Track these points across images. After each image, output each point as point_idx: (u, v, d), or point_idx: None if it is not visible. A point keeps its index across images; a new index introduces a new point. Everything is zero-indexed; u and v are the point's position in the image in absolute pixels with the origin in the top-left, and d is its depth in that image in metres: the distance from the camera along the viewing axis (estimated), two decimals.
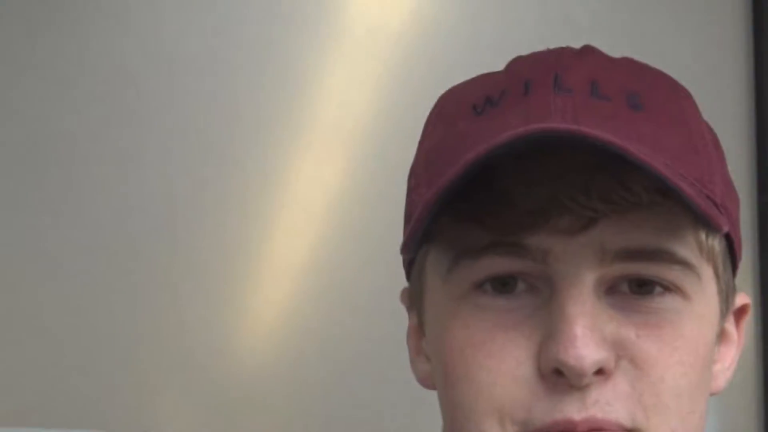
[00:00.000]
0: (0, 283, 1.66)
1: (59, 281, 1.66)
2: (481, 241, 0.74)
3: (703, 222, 0.72)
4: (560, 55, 0.78)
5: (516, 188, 0.73)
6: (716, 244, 0.77)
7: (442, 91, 0.83)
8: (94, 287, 1.66)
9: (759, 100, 1.77)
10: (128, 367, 1.66)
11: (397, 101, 1.69)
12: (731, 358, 0.82)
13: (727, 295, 0.79)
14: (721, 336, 0.80)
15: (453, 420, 0.77)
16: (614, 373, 0.73)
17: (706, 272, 0.76)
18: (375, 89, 1.72)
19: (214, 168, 1.70)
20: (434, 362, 0.80)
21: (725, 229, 0.73)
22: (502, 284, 0.75)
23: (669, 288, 0.74)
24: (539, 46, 0.81)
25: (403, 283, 0.85)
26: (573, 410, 0.72)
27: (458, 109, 0.79)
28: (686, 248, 0.74)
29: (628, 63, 0.80)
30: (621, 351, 0.73)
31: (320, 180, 1.71)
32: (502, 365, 0.73)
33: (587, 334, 0.71)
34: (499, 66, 0.82)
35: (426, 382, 0.83)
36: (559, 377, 0.72)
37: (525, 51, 0.81)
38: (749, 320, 0.84)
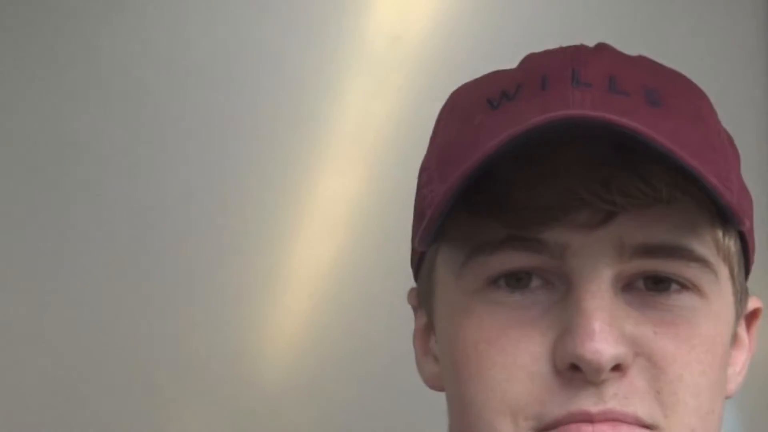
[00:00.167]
0: (11, 290, 1.66)
1: (72, 290, 1.66)
2: (498, 235, 0.73)
3: (726, 215, 0.72)
4: (576, 51, 0.78)
5: (533, 182, 0.72)
6: (732, 244, 0.76)
7: None
8: (109, 296, 1.66)
9: None
10: (145, 378, 1.66)
11: (418, 112, 1.69)
12: (742, 362, 0.81)
13: (741, 297, 0.79)
14: (734, 339, 0.79)
15: (462, 419, 0.76)
16: (631, 370, 0.72)
17: (723, 272, 0.76)
18: (396, 100, 1.71)
19: (233, 179, 1.70)
20: (444, 360, 0.79)
21: (747, 224, 0.73)
22: (517, 279, 0.74)
23: (686, 286, 0.74)
24: None
25: None
26: (589, 403, 0.71)
27: (472, 104, 0.78)
28: (704, 246, 0.74)
29: (644, 60, 0.80)
30: (638, 348, 0.72)
31: (341, 191, 1.70)
32: (517, 361, 0.73)
33: (605, 329, 0.71)
34: None
35: (433, 383, 0.82)
36: (575, 373, 0.71)
37: None
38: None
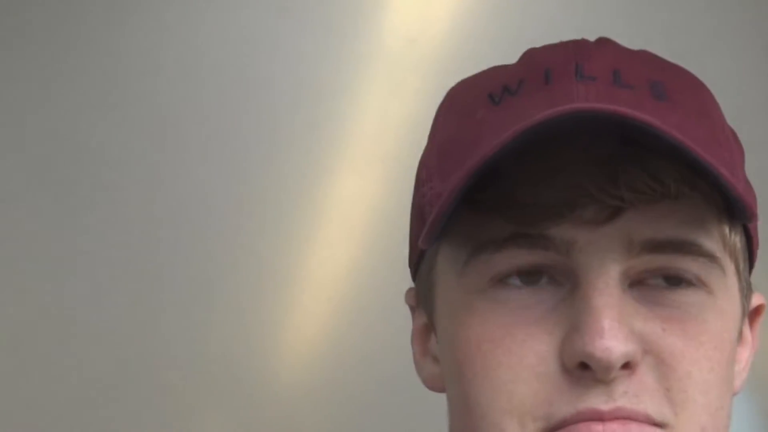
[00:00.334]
0: (31, 300, 1.66)
1: (91, 300, 1.66)
2: (502, 233, 0.72)
3: (737, 209, 0.71)
4: (579, 45, 0.77)
5: (538, 178, 0.71)
6: (738, 240, 0.76)
7: None
8: (126, 299, 1.67)
9: None
10: (162, 380, 1.66)
11: None
12: (746, 359, 0.80)
13: (746, 293, 0.78)
14: (739, 336, 0.79)
15: (467, 421, 0.74)
16: (640, 368, 0.71)
17: (729, 267, 0.75)
18: (413, 102, 1.71)
19: (251, 181, 1.70)
20: (446, 361, 0.78)
21: (756, 218, 0.72)
22: (527, 274, 0.73)
23: (694, 282, 0.73)
24: None
25: None
26: (599, 401, 0.70)
27: (473, 100, 0.77)
28: (712, 241, 0.73)
29: (647, 54, 0.79)
30: (647, 345, 0.71)
31: (359, 193, 1.70)
32: (523, 361, 0.72)
33: (615, 326, 0.69)
34: None
35: (433, 384, 0.81)
36: (583, 371, 0.70)
37: None
38: None
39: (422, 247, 0.76)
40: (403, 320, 1.65)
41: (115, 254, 1.68)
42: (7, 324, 1.67)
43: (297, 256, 1.70)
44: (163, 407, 1.66)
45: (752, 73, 1.76)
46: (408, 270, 1.64)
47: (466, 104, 0.78)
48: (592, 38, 0.79)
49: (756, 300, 0.81)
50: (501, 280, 0.73)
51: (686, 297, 0.73)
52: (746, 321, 0.80)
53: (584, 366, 0.70)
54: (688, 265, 0.73)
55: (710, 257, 0.73)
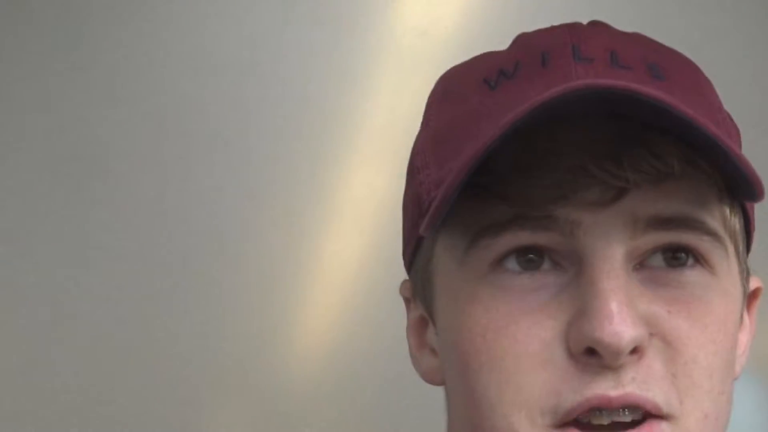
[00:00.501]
0: (44, 296, 1.66)
1: (105, 297, 1.66)
2: (504, 216, 0.71)
3: (746, 185, 0.69)
4: (573, 27, 0.76)
5: (540, 160, 0.70)
6: (737, 221, 0.75)
7: None
8: (138, 295, 1.66)
9: None
10: (174, 376, 1.65)
11: None
12: (745, 343, 0.79)
13: (745, 276, 0.77)
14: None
15: (472, 413, 0.73)
16: (647, 352, 0.70)
17: (730, 249, 0.74)
18: (423, 95, 1.70)
19: (261, 175, 1.69)
20: (446, 353, 0.76)
21: (763, 194, 0.70)
22: (527, 260, 0.71)
23: (698, 260, 0.72)
24: None
25: None
26: (608, 387, 0.69)
27: (468, 85, 0.76)
28: (715, 220, 0.72)
29: (640, 36, 0.78)
30: (653, 328, 0.70)
31: (370, 187, 1.70)
32: (528, 349, 0.70)
33: (623, 310, 0.68)
34: None
35: (432, 377, 0.79)
36: (590, 357, 0.69)
37: None
38: None
39: (423, 234, 0.75)
40: None
41: (125, 249, 1.67)
42: (17, 319, 1.67)
43: (308, 251, 1.69)
44: (175, 402, 1.66)
45: (751, 66, 1.76)
46: None
47: (461, 90, 0.76)
48: None
49: (753, 283, 0.80)
50: (503, 263, 0.71)
51: (690, 277, 0.72)
52: (744, 304, 0.79)
53: (591, 351, 0.69)
54: (694, 242, 0.71)
55: (714, 236, 0.72)
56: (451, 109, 0.76)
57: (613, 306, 0.68)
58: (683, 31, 1.69)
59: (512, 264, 0.71)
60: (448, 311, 0.75)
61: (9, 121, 1.69)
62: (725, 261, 0.73)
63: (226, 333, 1.66)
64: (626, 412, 0.69)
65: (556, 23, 0.76)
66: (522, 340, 0.70)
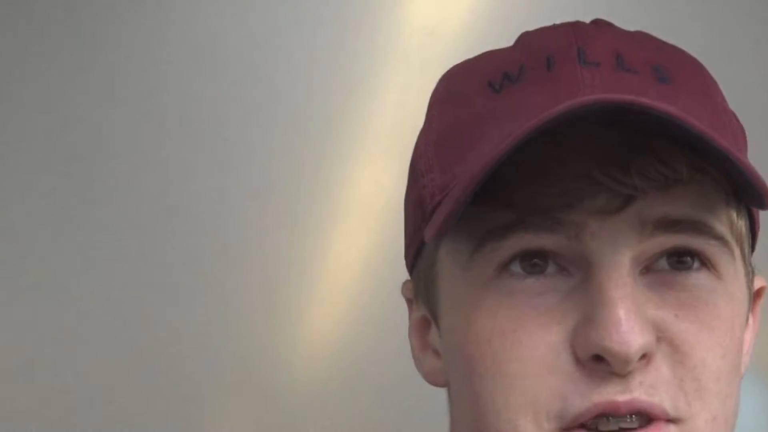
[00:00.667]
0: (46, 296, 1.66)
1: (107, 297, 1.66)
2: (509, 219, 0.70)
3: (754, 193, 0.69)
4: (577, 28, 0.76)
5: (546, 167, 0.69)
6: (743, 224, 0.75)
7: None
8: (141, 293, 1.66)
9: None
10: (177, 374, 1.65)
11: None
12: (748, 343, 0.79)
13: (750, 278, 0.77)
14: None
15: (477, 418, 0.72)
16: (655, 357, 0.69)
17: (737, 252, 0.74)
18: (430, 95, 1.70)
19: (267, 174, 1.69)
20: (452, 356, 0.75)
21: None
22: (531, 265, 0.70)
23: (705, 264, 0.71)
24: None
25: None
26: (615, 392, 0.68)
27: (472, 88, 0.75)
28: (722, 225, 0.72)
29: (643, 35, 0.77)
30: (660, 333, 0.70)
31: (376, 186, 1.70)
32: (535, 353, 0.69)
33: (631, 318, 0.68)
34: None
35: (435, 379, 0.79)
36: (597, 364, 0.68)
37: None
38: None
39: (429, 241, 0.74)
40: None
41: (128, 249, 1.67)
42: (19, 319, 1.67)
43: (314, 250, 1.69)
44: (180, 402, 1.66)
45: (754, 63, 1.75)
46: None
47: (464, 92, 0.76)
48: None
49: (757, 283, 0.80)
50: (507, 269, 0.71)
51: (697, 280, 0.71)
52: (750, 306, 0.79)
53: (598, 359, 0.68)
54: (701, 246, 0.71)
55: (721, 240, 0.72)
56: (454, 112, 0.76)
57: (621, 314, 0.68)
58: (688, 28, 1.68)
59: (517, 268, 0.71)
60: (453, 315, 0.75)
61: (10, 121, 1.69)
62: (732, 265, 0.73)
63: (231, 332, 1.66)
64: (633, 419, 0.69)
65: (563, 21, 0.76)
66: (528, 344, 0.70)
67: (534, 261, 0.71)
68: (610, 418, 0.69)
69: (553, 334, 0.70)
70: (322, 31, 1.73)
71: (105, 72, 1.70)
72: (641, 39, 0.77)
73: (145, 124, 1.70)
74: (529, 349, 0.70)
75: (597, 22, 0.77)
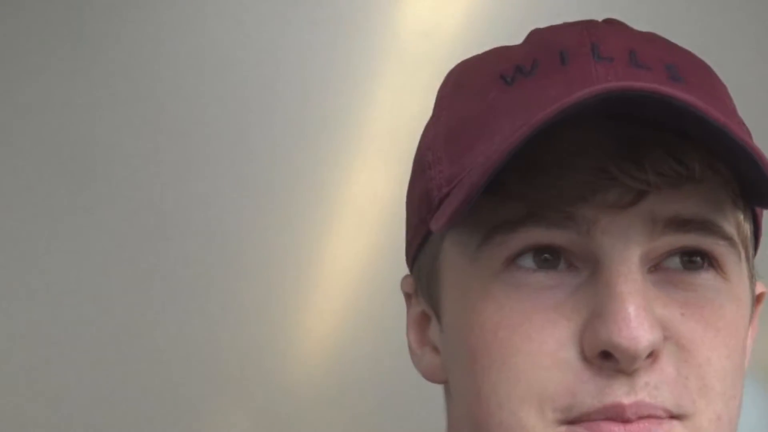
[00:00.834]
0: (42, 298, 1.66)
1: (103, 300, 1.66)
2: (520, 212, 0.70)
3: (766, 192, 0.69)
4: (591, 25, 0.75)
5: (559, 160, 0.69)
6: (748, 227, 0.74)
7: None
8: (136, 298, 1.66)
9: None
10: (173, 379, 1.65)
11: None
12: (747, 348, 0.78)
13: (753, 281, 0.77)
14: None
15: (479, 411, 0.72)
16: (661, 356, 0.69)
17: (743, 254, 0.74)
18: (427, 97, 1.70)
19: (263, 177, 1.69)
20: (452, 350, 0.75)
21: None
22: (543, 260, 0.70)
23: (712, 265, 0.71)
24: None
25: None
26: (622, 394, 0.68)
27: (483, 80, 0.75)
28: (731, 225, 0.72)
29: (655, 36, 0.77)
30: (667, 332, 0.69)
31: (373, 189, 1.69)
32: (542, 348, 0.69)
33: (641, 314, 0.67)
34: None
35: (434, 375, 0.79)
36: (605, 361, 0.68)
37: None
38: None
39: (438, 231, 0.73)
40: None
41: (124, 252, 1.67)
42: (16, 321, 1.66)
43: (310, 253, 1.69)
44: (176, 406, 1.65)
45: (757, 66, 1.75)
46: None
47: (475, 85, 0.75)
48: None
49: (758, 288, 0.80)
50: (515, 262, 0.70)
51: (703, 280, 0.71)
52: (753, 310, 0.79)
53: (606, 355, 0.68)
54: (710, 246, 0.71)
55: (730, 240, 0.71)
56: (464, 104, 0.75)
57: (631, 309, 0.67)
58: (694, 32, 1.68)
59: (528, 262, 0.70)
60: (458, 308, 0.74)
61: (7, 123, 1.69)
62: (738, 267, 0.73)
63: (227, 336, 1.66)
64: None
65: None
66: (536, 338, 0.69)
67: (545, 256, 0.70)
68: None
69: (562, 329, 0.69)
70: (317, 34, 1.73)
71: (101, 74, 1.70)
72: (654, 39, 0.77)
73: (138, 127, 1.70)
74: (537, 344, 0.69)
75: (610, 21, 0.77)
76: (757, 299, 0.80)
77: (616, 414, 0.68)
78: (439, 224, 0.70)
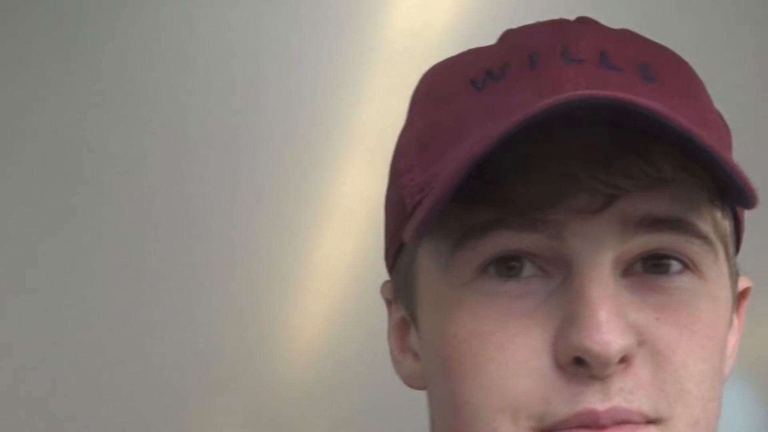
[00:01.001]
0: (35, 299, 1.66)
1: (94, 301, 1.66)
2: (489, 217, 0.69)
3: (741, 193, 0.68)
4: (561, 26, 0.75)
5: (527, 165, 0.68)
6: (727, 225, 0.74)
7: None
8: (125, 298, 1.66)
9: None
10: (161, 379, 1.65)
11: None
12: (733, 345, 0.78)
13: (735, 279, 0.76)
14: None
15: (455, 420, 0.71)
16: (635, 361, 0.68)
17: (720, 252, 0.73)
18: None
19: (251, 178, 1.68)
20: (431, 358, 0.74)
21: (757, 203, 0.69)
22: (508, 268, 0.69)
23: (687, 265, 0.70)
24: None
25: None
26: (596, 400, 0.67)
27: (453, 85, 0.74)
28: (706, 224, 0.71)
29: (629, 33, 0.76)
30: (641, 336, 0.68)
31: (360, 190, 1.69)
32: (515, 356, 0.68)
33: (612, 319, 0.66)
34: None
35: (413, 381, 0.78)
36: (578, 367, 0.67)
37: None
38: None
39: (409, 241, 0.73)
40: None
41: (115, 253, 1.67)
42: (8, 323, 1.66)
43: (298, 254, 1.69)
44: (165, 405, 1.65)
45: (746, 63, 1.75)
46: None
47: (446, 90, 0.75)
48: None
49: (742, 284, 0.79)
50: (486, 271, 0.70)
51: (678, 283, 0.70)
52: (734, 307, 0.78)
53: (579, 362, 0.67)
54: (683, 247, 0.70)
55: (704, 239, 0.71)
56: (435, 110, 0.75)
57: (602, 315, 0.67)
58: (675, 28, 1.68)
59: (493, 272, 0.70)
60: (432, 317, 0.74)
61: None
62: (715, 265, 0.72)
63: (216, 337, 1.66)
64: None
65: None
66: (509, 347, 0.69)
67: (510, 263, 0.70)
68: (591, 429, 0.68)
69: (535, 338, 0.69)
70: (305, 35, 1.72)
71: (95, 75, 1.70)
72: (627, 37, 0.76)
73: (129, 129, 1.70)
74: (510, 353, 0.69)
75: (582, 20, 0.77)
76: (741, 295, 0.79)
77: (591, 421, 0.67)
78: (407, 235, 0.70)
